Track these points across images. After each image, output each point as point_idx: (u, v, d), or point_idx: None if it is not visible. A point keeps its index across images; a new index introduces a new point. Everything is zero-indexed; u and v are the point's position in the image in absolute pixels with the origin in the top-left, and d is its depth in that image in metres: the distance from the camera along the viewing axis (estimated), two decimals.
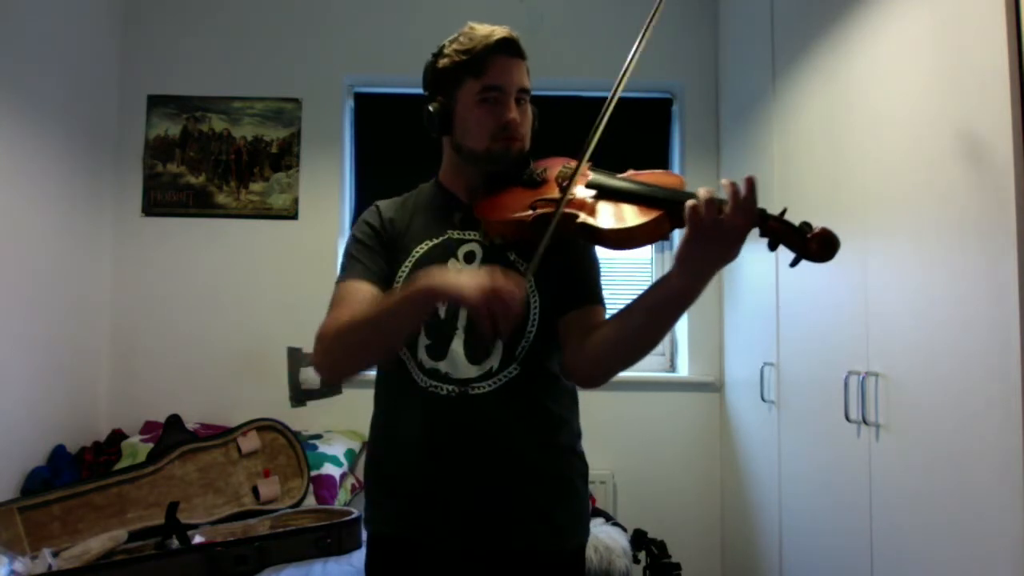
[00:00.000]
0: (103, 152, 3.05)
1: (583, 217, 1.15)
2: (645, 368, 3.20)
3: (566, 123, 3.12)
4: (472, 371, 1.20)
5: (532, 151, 1.33)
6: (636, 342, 1.15)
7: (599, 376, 1.21)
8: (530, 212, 1.18)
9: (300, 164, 3.15)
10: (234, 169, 3.14)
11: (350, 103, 3.25)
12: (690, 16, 3.22)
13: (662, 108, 3.28)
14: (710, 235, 0.97)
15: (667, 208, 1.09)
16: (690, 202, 0.98)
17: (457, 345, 1.21)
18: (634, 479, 3.06)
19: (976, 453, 1.46)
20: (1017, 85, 1.37)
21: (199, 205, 3.13)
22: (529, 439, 1.22)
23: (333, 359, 1.19)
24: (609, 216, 1.14)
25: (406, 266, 1.26)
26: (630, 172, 1.23)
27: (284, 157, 3.15)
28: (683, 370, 3.16)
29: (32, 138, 2.57)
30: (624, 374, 3.51)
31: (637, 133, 3.25)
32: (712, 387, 3.10)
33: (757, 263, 2.68)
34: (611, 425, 3.02)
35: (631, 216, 1.12)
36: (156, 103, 3.15)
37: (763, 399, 2.58)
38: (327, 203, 3.15)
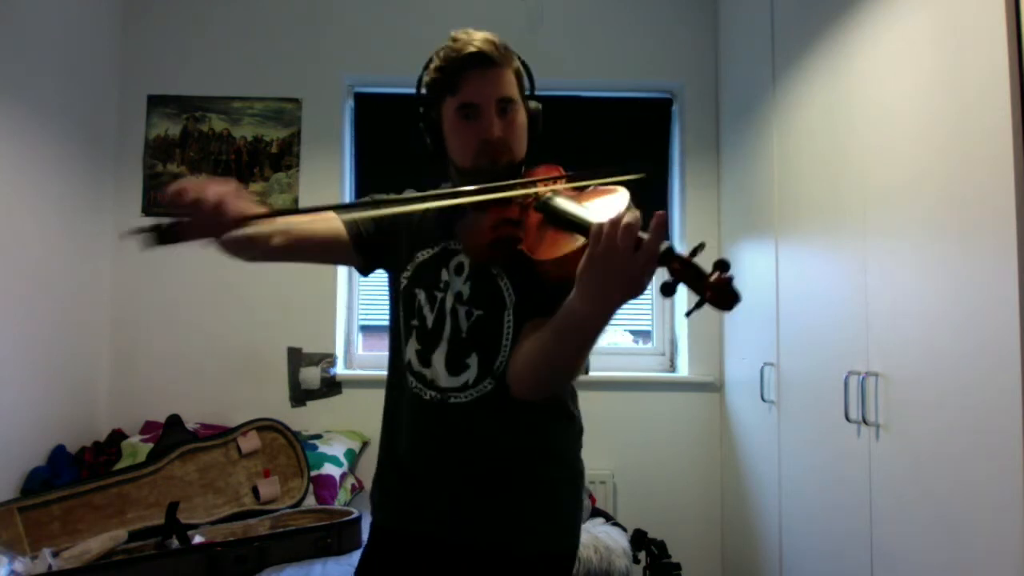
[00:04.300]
0: (103, 152, 3.05)
1: (524, 244, 1.12)
2: (645, 368, 3.21)
3: (565, 123, 3.14)
4: (451, 382, 1.23)
5: (533, 152, 1.31)
6: (545, 359, 1.09)
7: (517, 386, 1.16)
8: (491, 234, 1.17)
9: (300, 164, 3.15)
10: (234, 169, 3.14)
11: (350, 103, 3.25)
12: (690, 16, 3.23)
13: (662, 108, 3.28)
14: (606, 263, 0.92)
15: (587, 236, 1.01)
16: (594, 226, 0.93)
17: (439, 355, 1.24)
18: (634, 479, 3.06)
19: (976, 453, 1.46)
20: (1017, 85, 1.37)
21: None
22: (504, 450, 1.23)
23: None
24: (544, 243, 1.10)
25: (407, 271, 1.31)
26: (592, 187, 1.18)
27: (284, 157, 3.15)
28: (683, 370, 3.16)
29: (32, 138, 2.57)
30: (624, 374, 3.50)
31: (637, 133, 3.25)
32: (712, 387, 3.10)
33: (757, 263, 2.68)
34: (611, 425, 3.03)
35: (558, 246, 1.06)
36: (156, 103, 3.15)
37: (763, 399, 2.59)
38: (327, 203, 3.14)
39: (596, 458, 2.98)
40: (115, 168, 3.10)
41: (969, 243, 1.49)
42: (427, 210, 1.34)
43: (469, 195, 1.14)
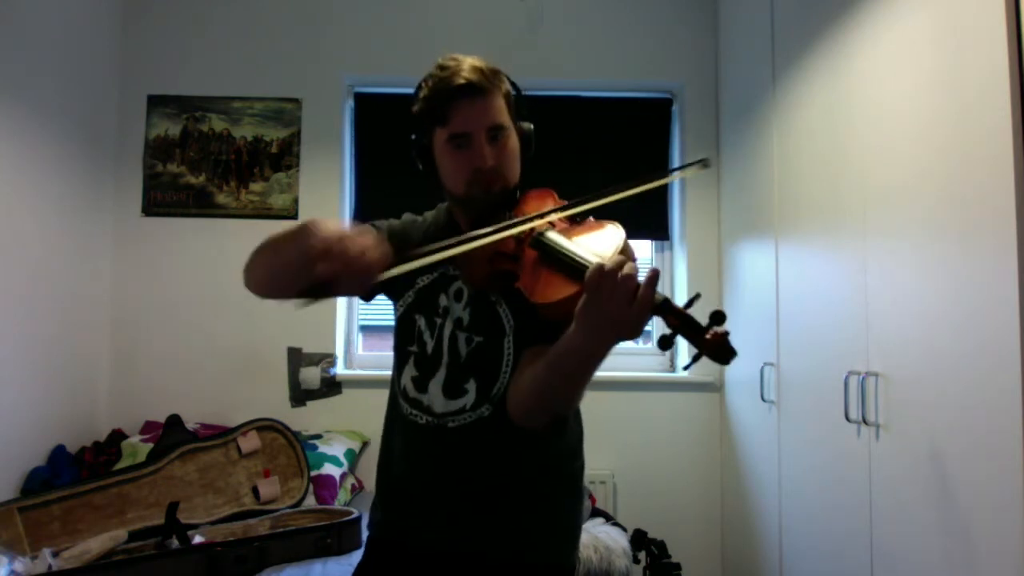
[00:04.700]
0: (103, 152, 3.05)
1: (521, 283, 1.12)
2: (645, 368, 3.21)
3: (565, 123, 3.14)
4: (448, 406, 1.24)
5: (527, 172, 1.28)
6: (544, 390, 1.09)
7: (516, 414, 1.16)
8: (488, 268, 1.17)
9: (300, 164, 3.15)
10: (234, 169, 3.14)
11: (350, 103, 3.25)
12: (690, 16, 3.23)
13: (662, 108, 3.28)
14: (602, 311, 0.93)
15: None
16: (592, 270, 0.94)
17: (437, 380, 1.25)
18: (634, 479, 3.06)
19: (976, 453, 1.46)
20: (1017, 85, 1.37)
21: (199, 205, 3.13)
22: (502, 467, 1.24)
23: (247, 268, 1.20)
24: (539, 284, 1.10)
25: (408, 296, 1.32)
26: (589, 220, 1.17)
27: (284, 157, 3.15)
28: (683, 370, 3.17)
29: (32, 138, 2.57)
30: (624, 374, 3.48)
31: (637, 133, 3.25)
32: (712, 387, 3.10)
33: (757, 263, 2.68)
34: (611, 425, 3.03)
35: (555, 288, 1.07)
36: (156, 103, 3.15)
37: (763, 399, 2.58)
38: (327, 203, 3.15)
39: (596, 458, 2.98)
40: (115, 168, 3.10)
41: (969, 243, 1.49)
42: (426, 233, 1.34)
43: (469, 240, 1.11)
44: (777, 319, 2.48)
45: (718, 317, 0.91)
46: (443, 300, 1.28)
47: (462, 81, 1.17)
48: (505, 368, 1.23)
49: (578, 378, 1.06)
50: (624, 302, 0.92)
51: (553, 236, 1.13)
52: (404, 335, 1.30)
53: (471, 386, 1.23)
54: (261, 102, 3.16)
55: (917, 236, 1.68)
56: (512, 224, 1.12)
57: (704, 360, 0.92)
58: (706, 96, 3.21)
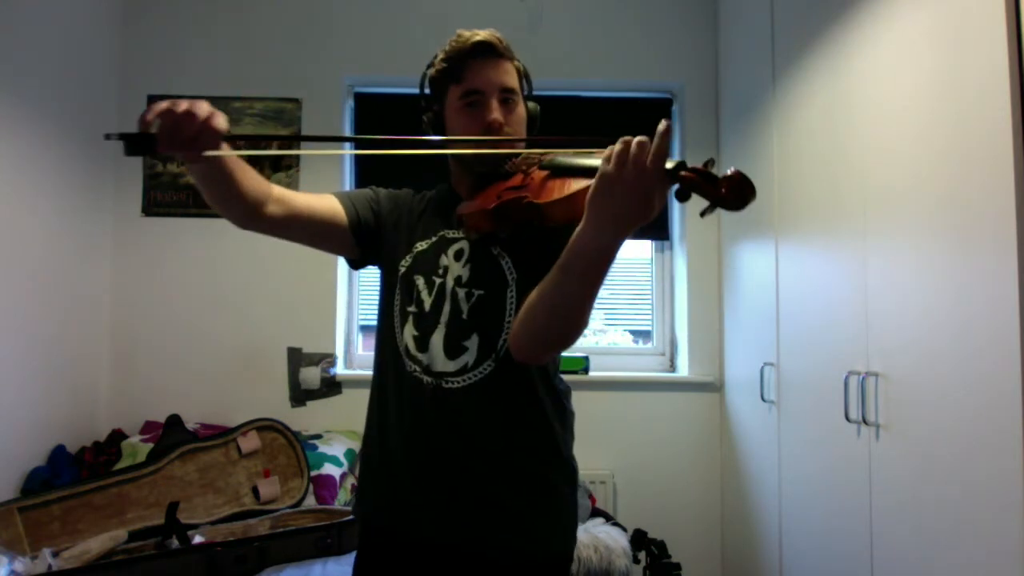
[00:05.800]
0: (103, 152, 3.05)
1: (529, 197, 1.13)
2: (645, 368, 3.21)
3: (565, 123, 3.14)
4: (448, 365, 1.22)
5: None
6: (551, 302, 1.06)
7: (524, 343, 1.12)
8: (495, 201, 1.18)
9: (300, 164, 3.15)
10: None
11: (350, 103, 3.25)
12: (690, 16, 3.23)
13: (662, 108, 3.28)
14: (618, 181, 0.94)
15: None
16: (606, 151, 0.96)
17: (437, 338, 1.23)
18: (634, 479, 3.06)
19: (976, 453, 1.46)
20: (1017, 85, 1.37)
21: (199, 205, 3.12)
22: (503, 439, 1.21)
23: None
24: (551, 192, 1.12)
25: (406, 260, 1.31)
26: (598, 151, 1.19)
27: (284, 157, 3.15)
28: (683, 370, 3.16)
29: (32, 138, 2.57)
30: (624, 374, 3.47)
31: (637, 133, 3.24)
32: (712, 387, 3.10)
33: (757, 263, 2.68)
34: (611, 425, 3.02)
35: (567, 187, 1.09)
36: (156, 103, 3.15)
37: (763, 399, 2.59)
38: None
39: (596, 458, 2.99)
40: (115, 168, 3.10)
41: (969, 243, 1.49)
42: (426, 207, 1.37)
43: (480, 146, 1.19)
44: (777, 319, 2.48)
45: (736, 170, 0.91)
46: (443, 260, 1.28)
47: (480, 39, 1.25)
48: (508, 319, 1.21)
49: (588, 282, 1.02)
50: (641, 164, 0.92)
51: (564, 156, 1.17)
52: (404, 296, 1.29)
53: (472, 342, 1.21)
54: (261, 102, 3.16)
55: (917, 236, 1.68)
56: (510, 143, 1.19)
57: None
58: (706, 96, 3.21)
